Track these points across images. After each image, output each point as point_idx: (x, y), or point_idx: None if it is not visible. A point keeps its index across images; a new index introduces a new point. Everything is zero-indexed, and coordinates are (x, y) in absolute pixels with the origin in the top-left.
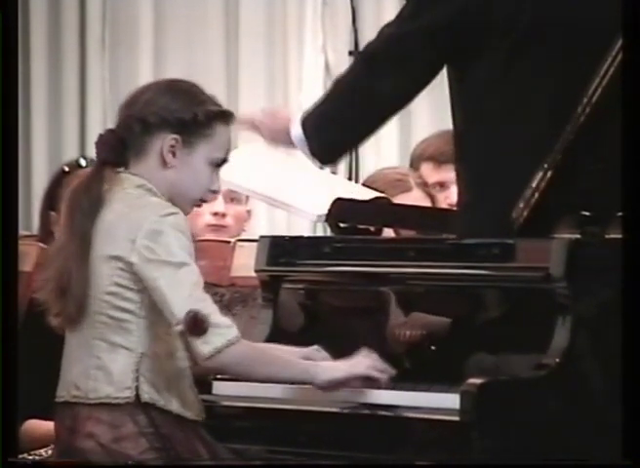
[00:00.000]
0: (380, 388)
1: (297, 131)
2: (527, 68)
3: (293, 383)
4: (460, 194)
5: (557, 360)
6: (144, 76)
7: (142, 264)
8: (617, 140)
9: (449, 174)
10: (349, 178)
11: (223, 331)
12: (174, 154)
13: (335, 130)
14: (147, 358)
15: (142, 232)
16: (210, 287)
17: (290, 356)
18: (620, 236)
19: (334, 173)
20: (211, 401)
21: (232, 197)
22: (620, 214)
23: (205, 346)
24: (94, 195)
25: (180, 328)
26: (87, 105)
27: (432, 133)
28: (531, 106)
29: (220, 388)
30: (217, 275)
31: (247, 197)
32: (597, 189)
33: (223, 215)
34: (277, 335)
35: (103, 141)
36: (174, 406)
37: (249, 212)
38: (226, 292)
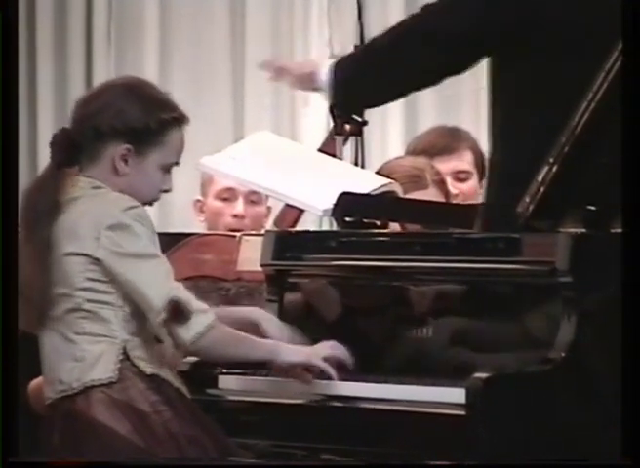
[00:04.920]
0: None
1: (325, 75)
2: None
3: (259, 362)
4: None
5: (563, 354)
6: (150, 72)
7: (110, 260)
8: (621, 134)
9: (440, 166)
10: None
11: (202, 316)
12: (126, 162)
13: (364, 84)
14: (135, 343)
15: (106, 227)
16: (216, 281)
17: (255, 337)
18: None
19: (340, 158)
20: (217, 395)
21: (252, 199)
22: None
23: (187, 332)
24: (50, 198)
25: (162, 317)
26: None
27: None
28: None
29: (226, 382)
30: (223, 269)
31: (267, 196)
32: (602, 183)
33: (243, 217)
34: None
35: (57, 142)
36: (173, 381)
37: (269, 208)
38: (232, 287)
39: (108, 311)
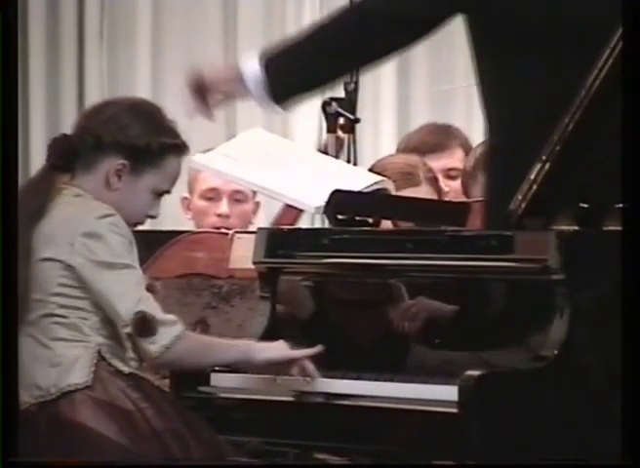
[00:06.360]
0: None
1: (254, 69)
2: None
3: (232, 365)
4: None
5: (555, 352)
6: (142, 69)
7: (83, 267)
8: (615, 132)
9: (432, 163)
10: None
11: (169, 328)
12: (119, 178)
13: (305, 73)
14: (110, 346)
15: (80, 234)
16: (208, 279)
17: (225, 340)
18: (617, 228)
19: (332, 156)
20: (209, 392)
21: (237, 198)
22: (617, 205)
23: (153, 346)
24: (36, 203)
25: (127, 330)
26: (85, 98)
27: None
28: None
29: (218, 380)
30: (215, 267)
31: (253, 192)
32: (595, 181)
33: (227, 217)
34: (275, 327)
35: (56, 146)
36: (153, 379)
37: (257, 204)
38: (224, 285)
39: (80, 317)
